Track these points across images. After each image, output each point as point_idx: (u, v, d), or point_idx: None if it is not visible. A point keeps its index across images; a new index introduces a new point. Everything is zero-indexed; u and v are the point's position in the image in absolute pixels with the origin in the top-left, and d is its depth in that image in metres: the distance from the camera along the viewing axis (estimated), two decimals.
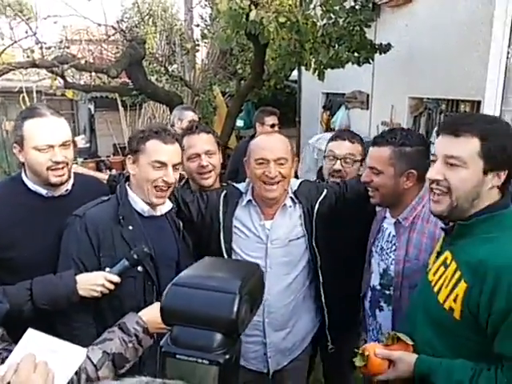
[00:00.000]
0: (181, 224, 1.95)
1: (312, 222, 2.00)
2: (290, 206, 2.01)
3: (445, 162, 1.36)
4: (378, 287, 1.92)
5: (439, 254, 1.48)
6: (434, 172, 1.39)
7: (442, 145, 1.39)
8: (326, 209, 2.01)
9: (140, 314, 1.52)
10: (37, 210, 1.82)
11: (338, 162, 2.24)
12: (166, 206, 1.91)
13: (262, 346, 2.05)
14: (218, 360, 0.74)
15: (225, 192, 2.03)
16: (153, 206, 1.84)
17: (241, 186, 2.07)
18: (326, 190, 2.06)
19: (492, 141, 1.31)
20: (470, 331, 1.31)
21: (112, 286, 1.66)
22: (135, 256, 1.69)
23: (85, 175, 2.17)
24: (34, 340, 1.12)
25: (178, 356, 0.77)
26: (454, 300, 1.31)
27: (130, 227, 1.76)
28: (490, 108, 3.20)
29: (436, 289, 1.39)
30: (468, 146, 1.32)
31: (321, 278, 2.04)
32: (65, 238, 1.75)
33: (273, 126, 4.04)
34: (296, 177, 4.18)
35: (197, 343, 0.76)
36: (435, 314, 1.39)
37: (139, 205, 1.81)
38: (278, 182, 1.92)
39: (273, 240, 1.98)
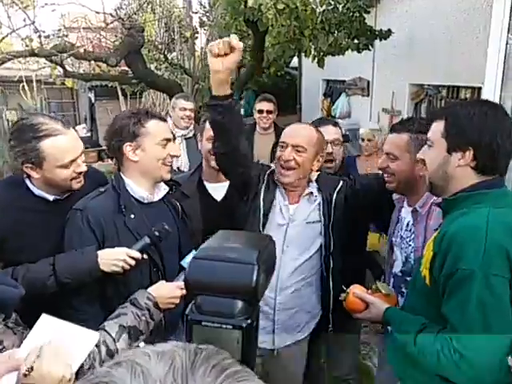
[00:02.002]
0: (179, 207, 1.97)
1: (330, 209, 2.07)
2: (316, 196, 2.09)
3: (427, 143, 1.52)
4: (400, 274, 1.97)
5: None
6: (419, 153, 1.57)
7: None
8: (341, 199, 2.10)
9: (149, 290, 1.60)
10: (43, 213, 1.80)
11: (329, 145, 2.42)
12: (163, 191, 1.93)
13: (272, 323, 2.11)
14: (240, 324, 0.82)
15: (270, 170, 2.14)
16: (152, 189, 1.88)
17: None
18: (341, 182, 2.15)
19: (453, 122, 1.42)
20: (437, 297, 1.38)
21: (133, 262, 1.68)
22: (156, 233, 1.72)
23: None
24: (47, 325, 1.16)
25: (203, 323, 0.84)
26: (426, 268, 1.42)
27: (132, 215, 1.78)
28: (490, 94, 3.18)
29: (422, 259, 1.49)
30: (435, 128, 1.47)
31: (331, 263, 2.10)
32: (67, 233, 1.76)
33: (269, 112, 3.98)
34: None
35: (220, 310, 0.84)
36: (418, 282, 1.49)
37: (137, 192, 1.83)
38: (293, 169, 1.99)
39: (294, 221, 2.07)
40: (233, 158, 1.91)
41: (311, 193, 2.08)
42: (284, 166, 1.99)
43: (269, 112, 3.96)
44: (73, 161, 1.75)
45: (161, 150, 1.81)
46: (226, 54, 1.64)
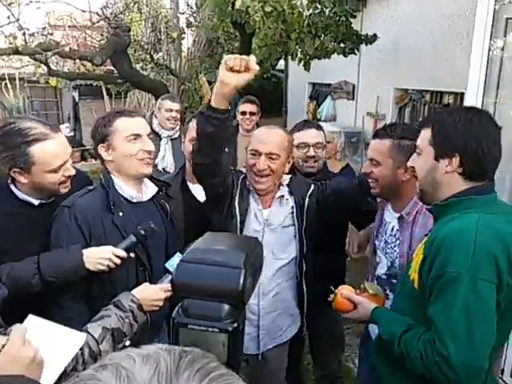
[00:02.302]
0: (168, 208, 1.97)
1: (303, 213, 2.08)
2: (287, 199, 2.09)
3: (416, 151, 1.54)
4: (384, 277, 1.99)
5: None
6: (409, 161, 1.58)
7: None
8: (313, 203, 2.11)
9: (133, 292, 1.58)
10: (28, 217, 1.77)
11: (311, 148, 2.42)
12: (152, 190, 1.92)
13: (256, 329, 2.11)
14: (227, 328, 0.83)
15: (243, 175, 2.12)
16: (139, 186, 1.86)
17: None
18: (313, 186, 2.15)
19: (439, 129, 1.44)
20: (424, 301, 1.38)
21: (118, 261, 1.67)
22: (142, 232, 1.70)
23: None
24: (34, 325, 1.15)
25: (189, 326, 0.84)
26: (415, 271, 1.42)
27: (121, 213, 1.77)
28: (472, 100, 3.24)
29: (412, 263, 1.49)
30: (423, 136, 1.49)
31: (304, 266, 2.11)
32: (54, 230, 1.74)
33: (252, 114, 3.95)
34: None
35: (207, 314, 0.85)
36: (406, 285, 1.49)
37: (126, 191, 1.82)
38: (267, 176, 1.99)
39: (269, 226, 2.06)
40: (211, 170, 1.88)
41: (282, 196, 2.08)
42: (258, 174, 1.98)
43: (252, 114, 3.94)
44: (62, 165, 1.73)
45: (130, 146, 1.78)
46: (238, 71, 1.62)
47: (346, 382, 2.79)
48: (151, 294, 1.62)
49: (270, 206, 2.08)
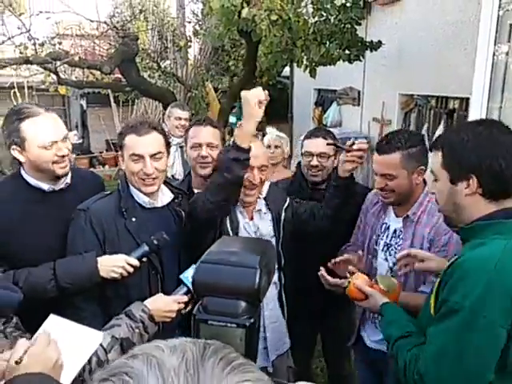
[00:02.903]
0: (183, 215, 1.99)
1: (280, 226, 2.14)
2: (265, 213, 2.15)
3: (432, 175, 1.46)
4: None
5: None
6: (429, 187, 1.53)
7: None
8: (289, 216, 2.17)
9: (145, 302, 1.59)
10: (39, 204, 1.87)
11: (315, 158, 2.42)
12: (167, 197, 1.95)
13: (263, 341, 2.13)
14: (244, 323, 0.89)
15: None
16: (151, 195, 1.89)
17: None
18: (288, 199, 2.22)
19: (449, 152, 1.36)
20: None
21: (131, 269, 1.71)
22: (155, 242, 1.74)
23: (79, 169, 2.25)
24: (55, 324, 1.21)
25: (209, 322, 0.90)
26: (433, 294, 1.35)
27: (134, 219, 1.81)
28: (477, 105, 3.27)
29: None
30: (435, 160, 1.41)
31: (283, 278, 2.15)
32: (71, 233, 1.80)
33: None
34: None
35: (225, 310, 0.91)
36: (426, 309, 1.42)
37: (140, 197, 1.86)
38: (256, 187, 2.07)
39: (262, 236, 2.09)
40: (228, 208, 1.95)
41: (260, 209, 2.14)
42: (249, 186, 2.03)
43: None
44: (54, 142, 1.82)
45: (132, 164, 1.81)
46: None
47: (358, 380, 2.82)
48: (164, 305, 1.62)
49: (252, 219, 2.13)
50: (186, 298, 1.62)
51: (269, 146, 3.40)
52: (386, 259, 2.03)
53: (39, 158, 1.81)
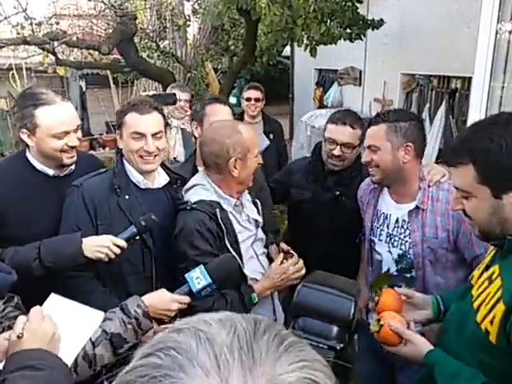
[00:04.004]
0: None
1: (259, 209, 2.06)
2: (248, 199, 2.01)
3: (459, 193, 1.30)
4: (396, 273, 1.94)
5: (488, 267, 1.33)
6: (454, 204, 1.35)
7: (452, 177, 1.33)
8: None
9: (143, 297, 1.52)
10: (43, 188, 1.88)
11: (338, 147, 2.24)
12: (163, 179, 1.96)
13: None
14: (335, 347, 0.96)
15: (216, 219, 1.79)
16: (147, 175, 1.89)
17: (206, 197, 1.82)
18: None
19: (486, 163, 1.19)
20: (505, 360, 1.17)
21: (118, 250, 1.71)
22: (143, 223, 1.74)
23: (82, 153, 2.24)
24: (56, 304, 1.22)
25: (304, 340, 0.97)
26: (491, 322, 1.17)
27: (127, 196, 1.83)
28: (480, 84, 3.24)
29: (476, 305, 1.26)
30: (465, 175, 1.23)
31: None
32: (65, 208, 1.83)
33: (257, 100, 3.92)
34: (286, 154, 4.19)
35: (320, 332, 0.98)
36: (470, 333, 1.26)
37: (135, 176, 1.87)
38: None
39: (258, 225, 2.01)
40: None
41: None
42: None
43: (256, 100, 3.92)
44: (66, 133, 1.82)
45: (132, 142, 1.82)
46: None
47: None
48: (162, 303, 1.54)
49: (238, 201, 1.93)
50: (187, 300, 1.54)
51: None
52: (390, 251, 1.96)
53: (49, 146, 1.82)
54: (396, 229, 1.94)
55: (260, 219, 1.99)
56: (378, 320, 1.46)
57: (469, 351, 1.25)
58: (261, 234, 2.02)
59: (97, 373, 1.37)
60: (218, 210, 1.76)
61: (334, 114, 2.34)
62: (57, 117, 1.80)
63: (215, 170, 1.82)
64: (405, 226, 1.91)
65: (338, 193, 2.28)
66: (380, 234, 1.99)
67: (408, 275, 1.93)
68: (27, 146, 1.87)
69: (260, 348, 0.44)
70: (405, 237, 1.91)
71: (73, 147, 1.86)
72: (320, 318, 0.98)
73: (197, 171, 2.44)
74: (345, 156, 2.26)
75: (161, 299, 1.54)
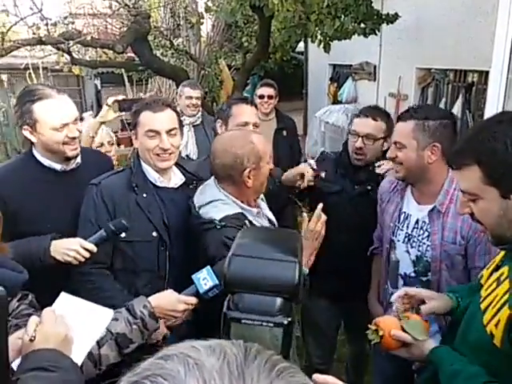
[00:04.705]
0: None
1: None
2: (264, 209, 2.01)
3: (466, 196, 1.26)
4: (413, 274, 1.92)
5: (498, 267, 1.30)
6: (460, 208, 1.31)
7: (457, 180, 1.30)
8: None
9: (150, 298, 1.52)
10: (52, 184, 1.92)
11: (360, 139, 2.23)
12: (178, 179, 1.98)
13: None
14: (282, 322, 0.82)
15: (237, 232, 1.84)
16: (163, 173, 1.92)
17: (229, 212, 1.74)
18: None
19: (492, 164, 1.15)
20: (509, 363, 1.14)
21: (87, 254, 1.73)
22: (112, 227, 1.75)
23: (88, 149, 2.30)
24: (66, 302, 1.23)
25: (243, 321, 0.82)
26: (496, 325, 1.15)
27: (145, 195, 1.86)
28: (497, 78, 3.18)
29: (483, 306, 1.23)
30: (471, 177, 1.19)
31: None
32: (83, 206, 1.86)
33: (270, 97, 3.89)
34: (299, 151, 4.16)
35: (261, 308, 0.83)
36: (476, 334, 1.24)
37: (151, 174, 1.90)
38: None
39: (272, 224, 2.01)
40: None
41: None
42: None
43: (270, 97, 3.89)
44: (65, 124, 1.86)
45: (147, 140, 1.84)
46: None
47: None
48: (169, 304, 1.53)
49: (258, 208, 1.93)
50: (194, 301, 1.54)
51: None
52: (408, 251, 1.93)
53: (50, 139, 1.86)
54: (415, 230, 1.90)
55: (272, 217, 1.99)
56: (376, 330, 1.43)
57: (474, 352, 1.23)
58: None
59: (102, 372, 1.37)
60: (246, 222, 1.73)
61: (360, 110, 2.38)
62: (54, 109, 1.84)
63: (229, 181, 1.78)
64: (424, 228, 1.87)
65: (369, 187, 2.26)
66: (399, 234, 1.96)
67: (424, 279, 1.89)
68: (32, 143, 1.91)
69: (251, 373, 0.43)
70: (423, 239, 1.87)
71: (73, 138, 1.89)
72: (259, 291, 0.83)
73: None
74: (367, 149, 2.23)
75: (168, 300, 1.54)
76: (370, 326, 1.46)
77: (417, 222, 1.90)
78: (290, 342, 0.85)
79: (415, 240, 1.90)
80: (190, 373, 0.42)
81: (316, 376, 0.74)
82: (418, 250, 1.89)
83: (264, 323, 0.81)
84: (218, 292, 1.47)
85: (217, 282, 1.47)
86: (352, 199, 2.29)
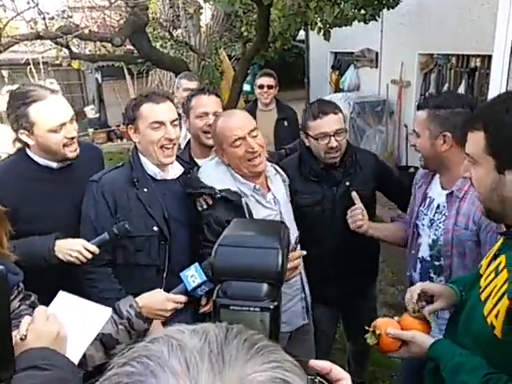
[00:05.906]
0: None
1: (287, 189, 2.13)
2: (275, 174, 2.09)
3: (468, 159, 1.24)
4: (428, 258, 1.92)
5: (496, 256, 1.27)
6: (463, 170, 1.29)
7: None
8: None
9: (138, 298, 1.49)
10: (49, 181, 1.91)
11: (332, 138, 2.13)
12: (177, 170, 1.98)
13: (302, 301, 2.16)
14: (268, 306, 0.87)
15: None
16: (163, 167, 1.91)
17: (227, 190, 1.88)
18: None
19: (496, 133, 1.12)
20: (510, 354, 1.12)
21: (89, 255, 1.75)
22: (115, 230, 1.76)
23: (80, 142, 2.28)
24: (64, 301, 1.23)
25: (231, 307, 0.87)
26: (496, 316, 1.13)
27: (145, 189, 1.86)
28: (499, 62, 3.13)
29: (483, 297, 1.21)
30: (474, 141, 1.18)
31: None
32: (84, 203, 1.86)
33: (270, 87, 3.86)
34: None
35: (248, 294, 0.89)
36: (477, 326, 1.22)
37: (151, 168, 1.90)
38: (259, 155, 1.92)
39: (281, 205, 2.03)
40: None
41: (269, 174, 2.04)
42: (252, 156, 1.90)
43: (269, 87, 3.86)
44: (62, 125, 1.84)
45: (152, 133, 1.83)
46: None
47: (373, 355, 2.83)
48: (157, 303, 1.51)
49: (268, 188, 2.00)
50: (183, 299, 1.52)
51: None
52: (429, 235, 1.91)
53: (49, 141, 1.84)
54: (436, 214, 1.90)
55: (281, 197, 2.03)
56: (373, 331, 1.40)
57: (476, 343, 1.22)
58: (286, 208, 2.06)
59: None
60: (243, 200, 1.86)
61: (308, 111, 2.23)
62: (50, 111, 1.81)
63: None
64: (443, 212, 1.87)
65: (347, 184, 2.22)
66: (423, 219, 1.97)
67: (437, 263, 1.89)
68: (27, 145, 1.88)
69: (230, 351, 0.46)
70: (440, 223, 1.87)
71: (72, 138, 1.88)
72: (245, 278, 0.89)
73: (193, 160, 2.41)
74: (340, 145, 2.17)
75: (155, 299, 1.51)
76: (367, 328, 1.43)
77: (438, 206, 1.91)
78: (278, 326, 0.89)
79: (435, 224, 1.90)
80: (172, 353, 0.45)
81: (314, 363, 0.74)
82: (435, 234, 1.89)
83: (251, 308, 0.86)
84: (208, 289, 1.46)
85: (205, 278, 1.45)
86: (335, 203, 2.22)
